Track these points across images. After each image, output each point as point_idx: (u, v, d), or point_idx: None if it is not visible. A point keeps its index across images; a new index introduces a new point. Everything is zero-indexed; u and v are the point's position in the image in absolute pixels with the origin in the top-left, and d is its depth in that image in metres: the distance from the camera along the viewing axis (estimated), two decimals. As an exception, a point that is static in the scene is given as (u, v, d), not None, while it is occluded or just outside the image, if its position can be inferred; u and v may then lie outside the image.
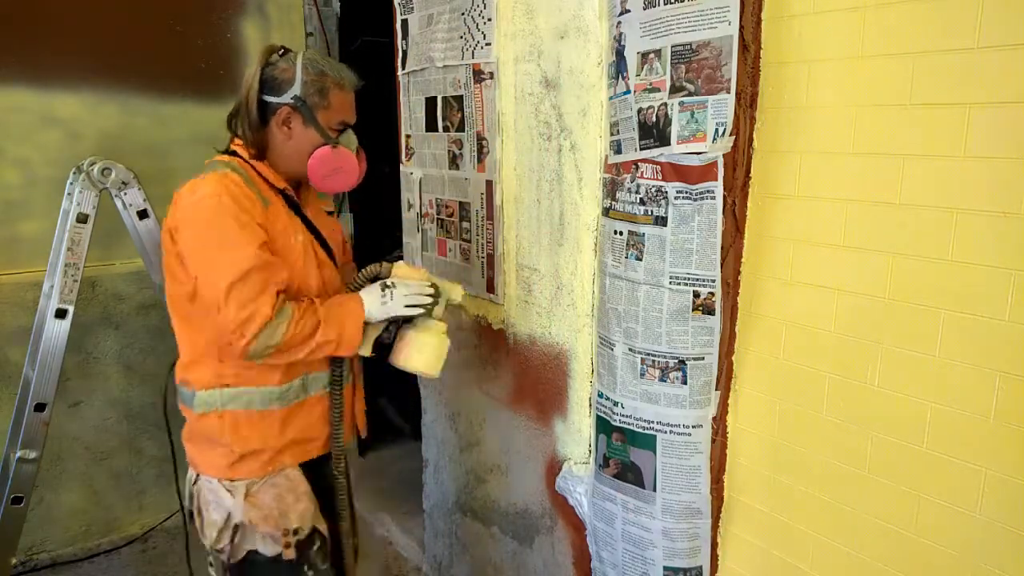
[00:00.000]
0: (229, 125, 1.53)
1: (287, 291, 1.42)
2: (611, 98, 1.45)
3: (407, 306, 1.48)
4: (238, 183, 1.39)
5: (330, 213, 1.72)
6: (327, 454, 1.60)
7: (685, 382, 1.39)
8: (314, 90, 1.46)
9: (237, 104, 1.50)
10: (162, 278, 2.36)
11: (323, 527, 1.58)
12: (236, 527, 1.49)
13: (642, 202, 1.38)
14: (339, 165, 1.50)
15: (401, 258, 1.59)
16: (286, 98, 1.45)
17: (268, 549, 1.50)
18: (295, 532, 1.52)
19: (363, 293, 1.49)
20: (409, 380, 2.40)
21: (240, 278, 1.32)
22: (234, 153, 1.50)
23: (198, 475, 1.53)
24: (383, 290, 1.48)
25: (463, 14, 1.86)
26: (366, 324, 1.48)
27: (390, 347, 1.54)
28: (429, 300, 1.50)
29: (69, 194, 2.26)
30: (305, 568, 1.54)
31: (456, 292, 1.59)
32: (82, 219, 2.22)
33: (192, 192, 1.38)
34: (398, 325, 1.54)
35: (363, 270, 1.55)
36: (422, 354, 1.51)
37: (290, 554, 1.51)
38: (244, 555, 1.50)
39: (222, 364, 1.46)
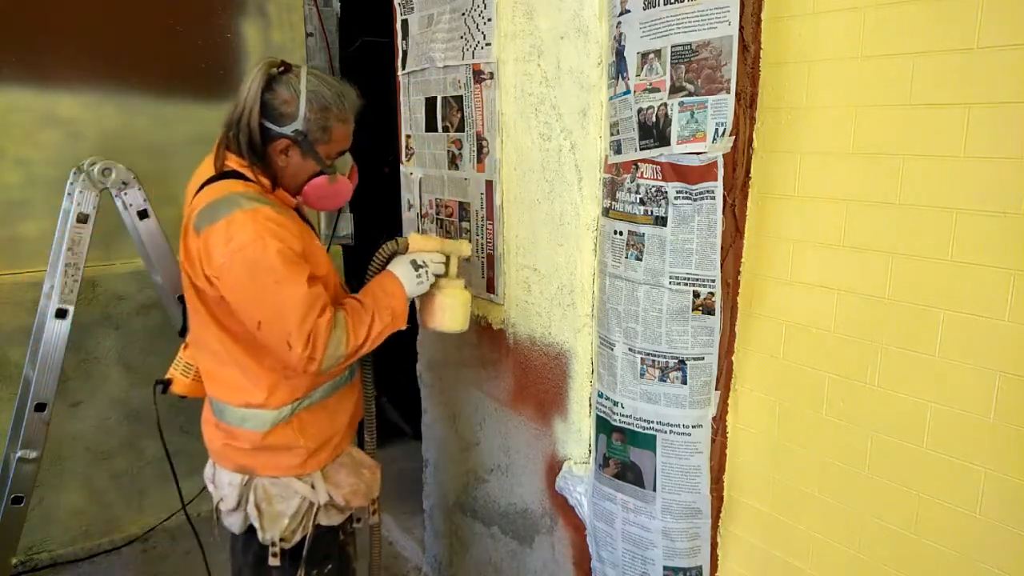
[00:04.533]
0: (228, 143, 1.46)
1: (328, 296, 1.45)
2: (611, 98, 1.45)
3: (435, 275, 1.62)
4: (270, 216, 1.35)
5: None
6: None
7: (685, 382, 1.39)
8: (317, 127, 1.42)
9: (232, 120, 1.43)
10: (166, 280, 2.35)
11: None
12: (311, 510, 1.55)
13: (642, 202, 1.38)
14: (335, 191, 1.52)
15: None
16: (287, 130, 1.41)
17: (332, 520, 1.59)
18: (375, 500, 1.70)
19: (397, 272, 1.56)
20: (409, 380, 2.41)
21: (301, 318, 1.34)
22: (238, 174, 1.44)
23: (250, 476, 1.53)
24: (416, 269, 1.57)
25: (463, 14, 1.85)
26: None
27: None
28: (443, 268, 1.63)
29: (69, 194, 2.26)
30: (348, 523, 1.67)
31: (465, 248, 1.68)
32: (82, 219, 2.22)
33: (228, 240, 1.32)
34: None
35: (380, 249, 1.61)
36: (453, 312, 1.63)
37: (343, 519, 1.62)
38: (305, 534, 1.55)
39: (289, 380, 1.49)
